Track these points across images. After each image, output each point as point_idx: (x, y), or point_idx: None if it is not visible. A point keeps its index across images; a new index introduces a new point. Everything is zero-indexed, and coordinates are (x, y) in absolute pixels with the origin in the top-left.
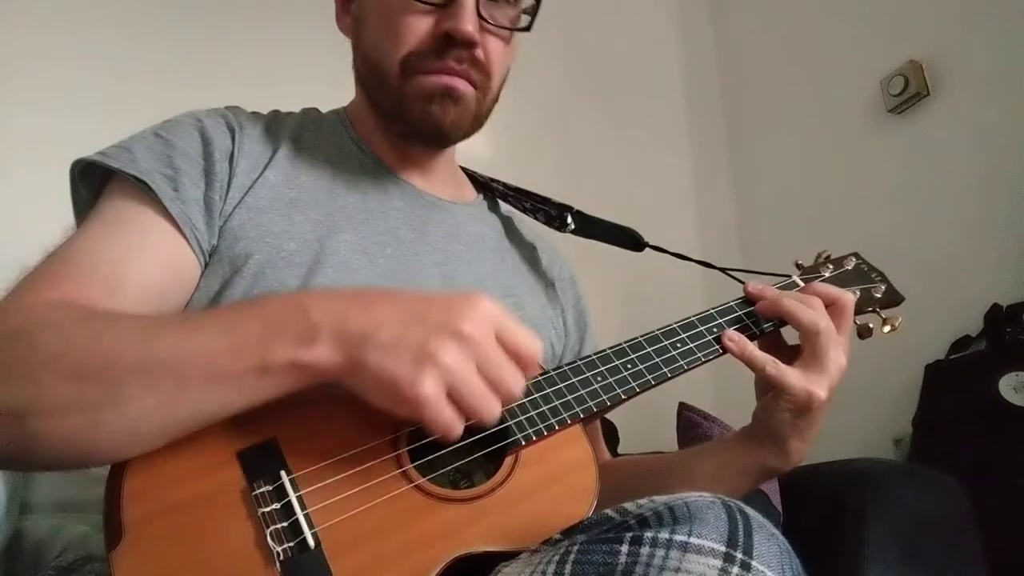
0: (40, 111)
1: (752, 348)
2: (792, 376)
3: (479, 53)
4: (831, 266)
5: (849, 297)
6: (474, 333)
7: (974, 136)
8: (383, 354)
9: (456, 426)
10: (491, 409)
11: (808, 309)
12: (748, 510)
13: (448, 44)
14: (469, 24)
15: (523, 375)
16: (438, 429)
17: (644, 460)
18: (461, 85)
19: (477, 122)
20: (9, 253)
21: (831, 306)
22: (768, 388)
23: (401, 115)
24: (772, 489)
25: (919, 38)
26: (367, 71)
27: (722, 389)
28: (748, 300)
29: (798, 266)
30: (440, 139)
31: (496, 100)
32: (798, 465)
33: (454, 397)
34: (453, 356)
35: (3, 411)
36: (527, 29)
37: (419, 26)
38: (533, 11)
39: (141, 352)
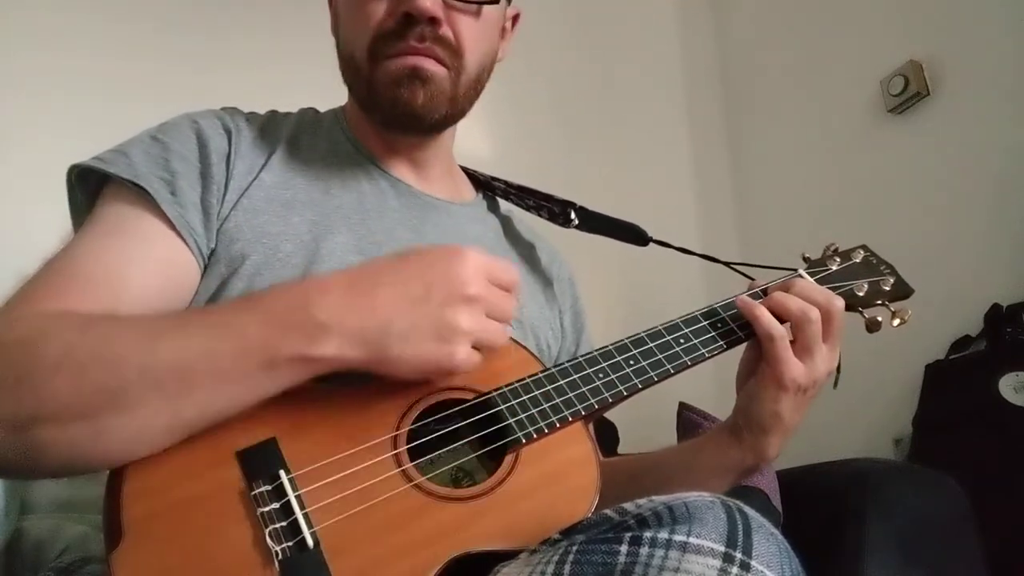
0: (40, 101)
1: (763, 310)
2: (786, 352)
3: (445, 31)
4: (838, 259)
5: (838, 304)
6: (478, 292)
7: (974, 136)
8: (407, 343)
9: (479, 363)
10: (505, 338)
11: (798, 299)
12: (747, 510)
13: (409, 24)
14: (426, 0)
15: (514, 296)
16: (462, 371)
17: (622, 462)
18: (428, 64)
19: (455, 104)
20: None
21: (822, 312)
22: (752, 372)
23: (375, 103)
24: (772, 489)
25: (919, 38)
26: (344, 68)
27: (722, 389)
28: (752, 295)
29: (805, 259)
30: (416, 122)
31: (479, 83)
32: (772, 461)
33: (478, 343)
34: (469, 319)
35: (7, 421)
36: (495, 1)
37: (380, 9)
38: None
39: (144, 356)
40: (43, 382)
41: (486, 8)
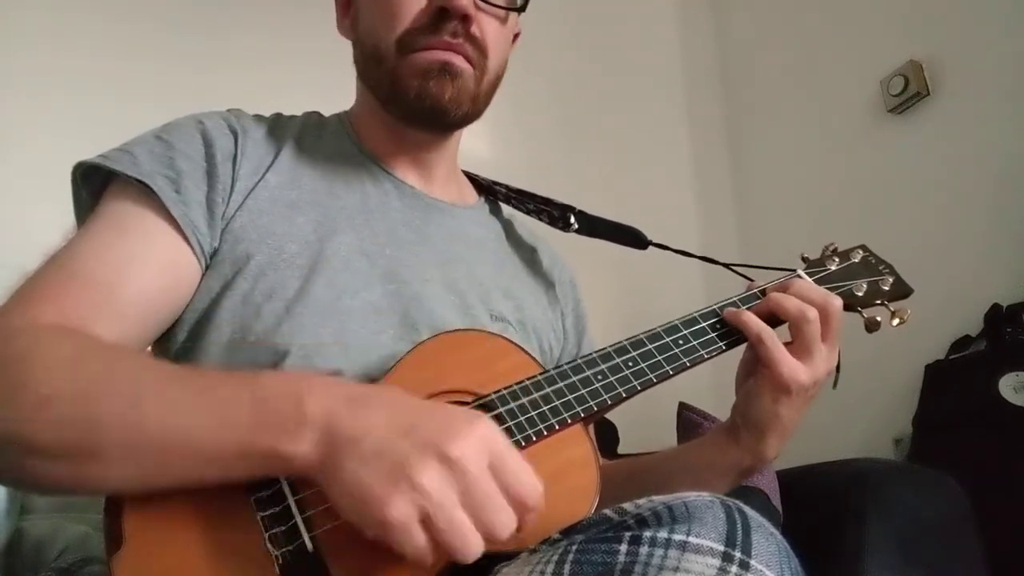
0: (42, 100)
1: (748, 315)
2: (780, 353)
3: (475, 30)
4: (837, 259)
5: (836, 303)
6: (462, 458)
7: (974, 136)
8: (360, 464)
9: (427, 556)
10: (469, 548)
11: (795, 299)
12: (747, 509)
13: (442, 19)
14: None
15: (516, 517)
16: (407, 556)
17: (621, 463)
18: (458, 60)
19: (475, 103)
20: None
21: (820, 312)
22: (751, 372)
23: (399, 95)
24: (772, 489)
25: (919, 38)
26: (365, 60)
27: (722, 389)
28: (750, 296)
29: (804, 259)
30: (440, 117)
31: (495, 86)
32: (770, 462)
33: (428, 527)
34: (432, 480)
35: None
36: (521, 9)
37: (413, 4)
38: None
39: (127, 426)
40: (26, 420)
41: (511, 15)
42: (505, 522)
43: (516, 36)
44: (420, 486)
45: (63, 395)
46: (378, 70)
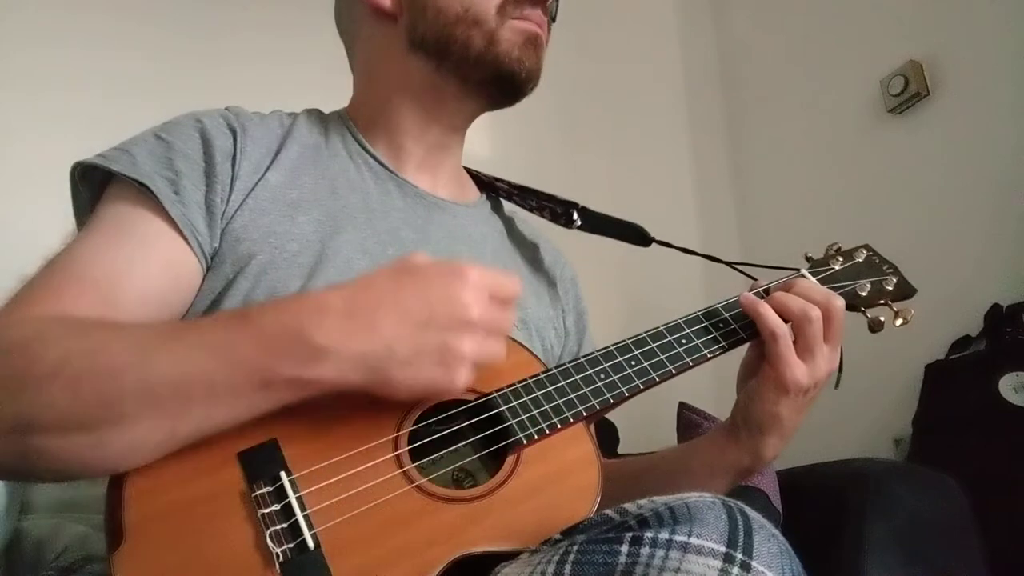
0: (41, 98)
1: (767, 308)
2: (790, 353)
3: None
4: (841, 259)
5: (838, 304)
6: (479, 315)
7: (974, 136)
8: (409, 368)
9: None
10: (503, 353)
11: (798, 299)
12: (748, 510)
13: None
14: None
15: (514, 310)
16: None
17: (621, 463)
18: (544, 37)
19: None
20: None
21: (823, 312)
22: (752, 372)
23: (494, 56)
24: (772, 489)
25: (919, 38)
26: (446, 23)
27: (722, 389)
28: (754, 295)
29: (808, 259)
30: (524, 84)
31: None
32: (770, 462)
33: (478, 363)
34: (471, 344)
35: (6, 426)
36: (553, 19)
37: None
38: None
39: (140, 371)
40: (39, 391)
41: None
42: (512, 322)
43: None
44: (466, 354)
45: (74, 359)
46: (471, 31)
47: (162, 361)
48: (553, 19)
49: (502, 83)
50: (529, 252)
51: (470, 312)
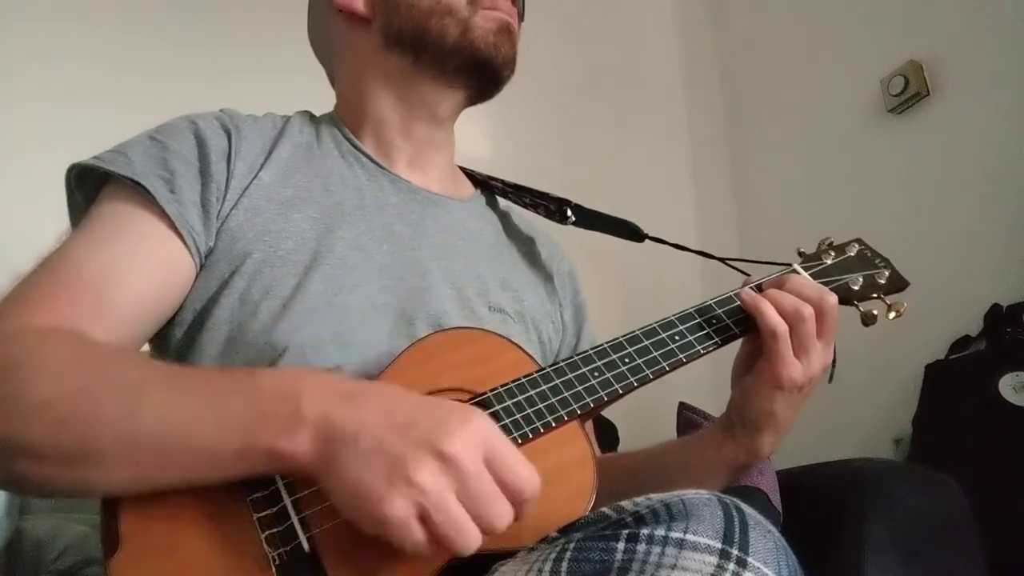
0: (35, 109)
1: (768, 306)
2: (788, 351)
3: (518, 6)
4: (833, 253)
5: (831, 300)
6: (459, 455)
7: (974, 136)
8: (358, 462)
9: (425, 550)
10: (466, 541)
11: (791, 297)
12: (744, 507)
13: None
14: None
15: (513, 510)
16: (406, 551)
17: (617, 459)
18: (515, 25)
19: (514, 69)
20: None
21: (815, 309)
22: (747, 369)
23: (469, 45)
24: (772, 489)
25: (919, 38)
26: (419, 18)
27: (721, 389)
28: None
29: (800, 254)
30: (500, 72)
31: None
32: (766, 459)
33: (426, 523)
34: (428, 477)
35: None
36: (522, 18)
37: None
38: None
39: (123, 423)
40: (22, 422)
41: None
42: (503, 514)
43: None
44: (417, 484)
45: (60, 398)
46: (444, 23)
47: (147, 416)
48: (521, 18)
49: (480, 69)
50: (525, 246)
51: (448, 443)
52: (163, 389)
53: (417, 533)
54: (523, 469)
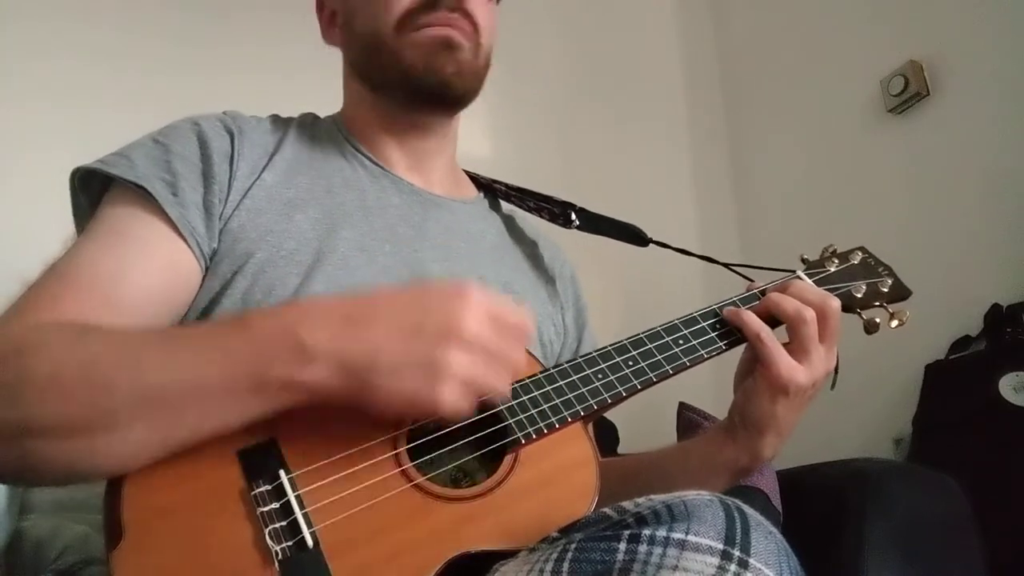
0: (36, 109)
1: (748, 314)
2: (778, 353)
3: (468, 6)
4: (837, 260)
5: (833, 304)
6: (474, 331)
7: (974, 136)
8: (391, 377)
9: (469, 410)
10: (503, 385)
11: (793, 300)
12: (746, 508)
13: None
14: None
15: (521, 344)
16: (455, 418)
17: (619, 462)
18: (457, 35)
19: (477, 78)
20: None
21: (818, 312)
22: (749, 371)
23: (404, 76)
24: (772, 489)
25: (919, 38)
26: (363, 52)
27: (722, 389)
28: (750, 297)
29: (803, 260)
30: (445, 92)
31: (489, 64)
32: (767, 462)
33: (471, 388)
34: (461, 361)
35: (3, 433)
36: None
37: None
38: None
39: (132, 379)
40: (33, 399)
41: None
42: (518, 356)
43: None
44: (454, 370)
45: (66, 371)
46: (379, 57)
47: (155, 368)
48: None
49: (422, 96)
50: (528, 249)
51: (463, 325)
52: (163, 347)
53: (466, 402)
54: (519, 315)
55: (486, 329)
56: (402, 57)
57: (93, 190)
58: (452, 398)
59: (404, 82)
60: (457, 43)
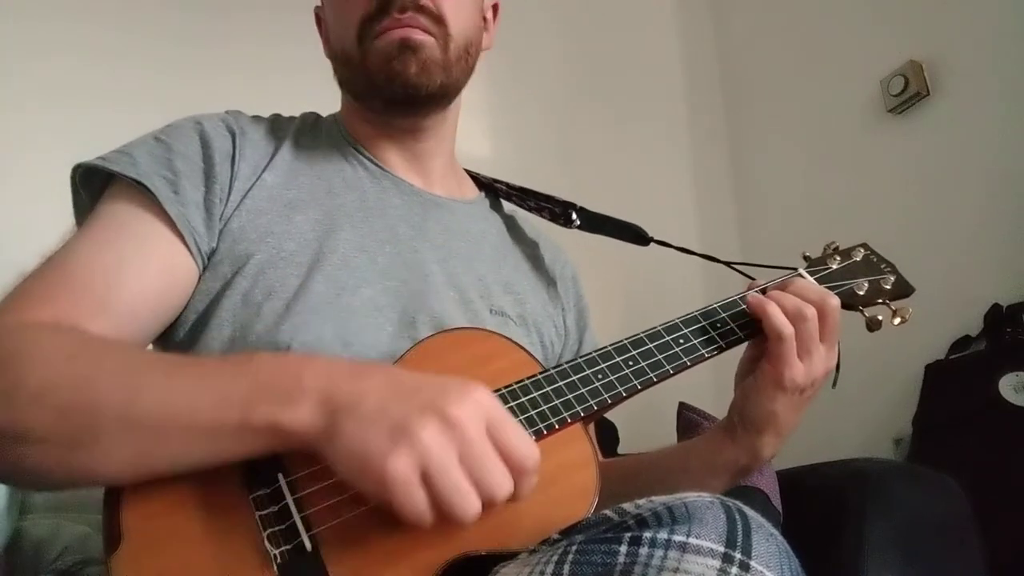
0: (36, 109)
1: (775, 308)
2: (792, 354)
3: (424, 1)
4: (839, 258)
5: (833, 302)
6: (462, 419)
7: (974, 136)
8: (360, 424)
9: (426, 516)
10: (468, 507)
11: (793, 298)
12: (747, 510)
13: (389, 0)
14: None
15: (512, 480)
16: (406, 516)
17: (619, 462)
18: (414, 34)
19: (449, 72)
20: (8, 253)
21: (818, 310)
22: (749, 371)
23: (372, 86)
24: (772, 489)
25: (919, 38)
26: (340, 67)
27: (722, 389)
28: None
29: (805, 258)
30: (414, 93)
31: (468, 54)
32: (767, 461)
33: (428, 485)
34: (432, 437)
35: None
36: None
37: None
38: None
39: (123, 405)
40: (22, 409)
41: None
42: (502, 483)
43: (495, 10)
44: (421, 443)
45: (60, 384)
46: (349, 70)
47: (148, 397)
48: None
49: (396, 102)
50: (529, 249)
51: (451, 407)
52: (161, 373)
53: (419, 495)
54: (524, 441)
55: (477, 427)
56: (367, 67)
57: (94, 187)
58: (403, 471)
59: (374, 92)
60: (416, 42)
